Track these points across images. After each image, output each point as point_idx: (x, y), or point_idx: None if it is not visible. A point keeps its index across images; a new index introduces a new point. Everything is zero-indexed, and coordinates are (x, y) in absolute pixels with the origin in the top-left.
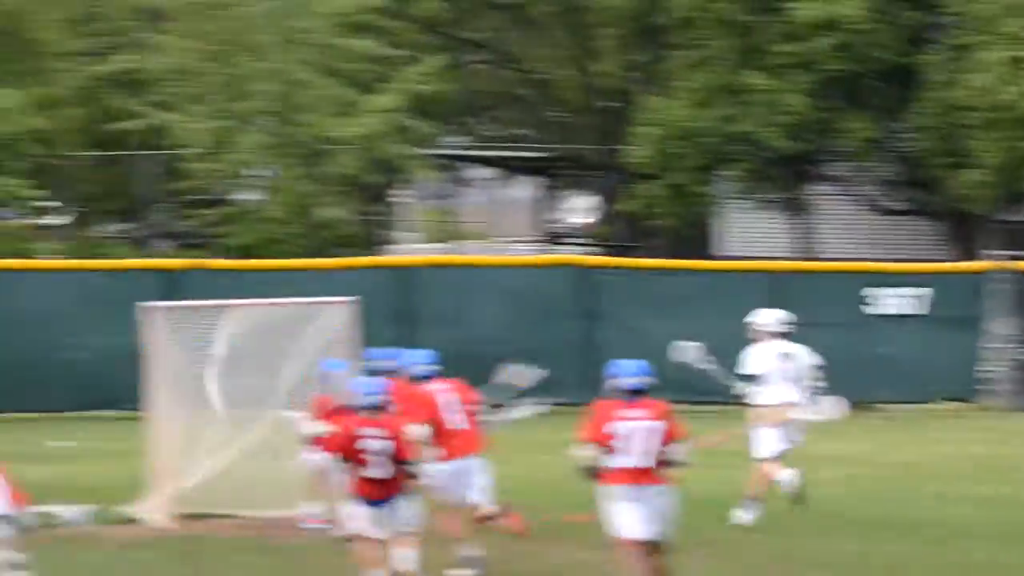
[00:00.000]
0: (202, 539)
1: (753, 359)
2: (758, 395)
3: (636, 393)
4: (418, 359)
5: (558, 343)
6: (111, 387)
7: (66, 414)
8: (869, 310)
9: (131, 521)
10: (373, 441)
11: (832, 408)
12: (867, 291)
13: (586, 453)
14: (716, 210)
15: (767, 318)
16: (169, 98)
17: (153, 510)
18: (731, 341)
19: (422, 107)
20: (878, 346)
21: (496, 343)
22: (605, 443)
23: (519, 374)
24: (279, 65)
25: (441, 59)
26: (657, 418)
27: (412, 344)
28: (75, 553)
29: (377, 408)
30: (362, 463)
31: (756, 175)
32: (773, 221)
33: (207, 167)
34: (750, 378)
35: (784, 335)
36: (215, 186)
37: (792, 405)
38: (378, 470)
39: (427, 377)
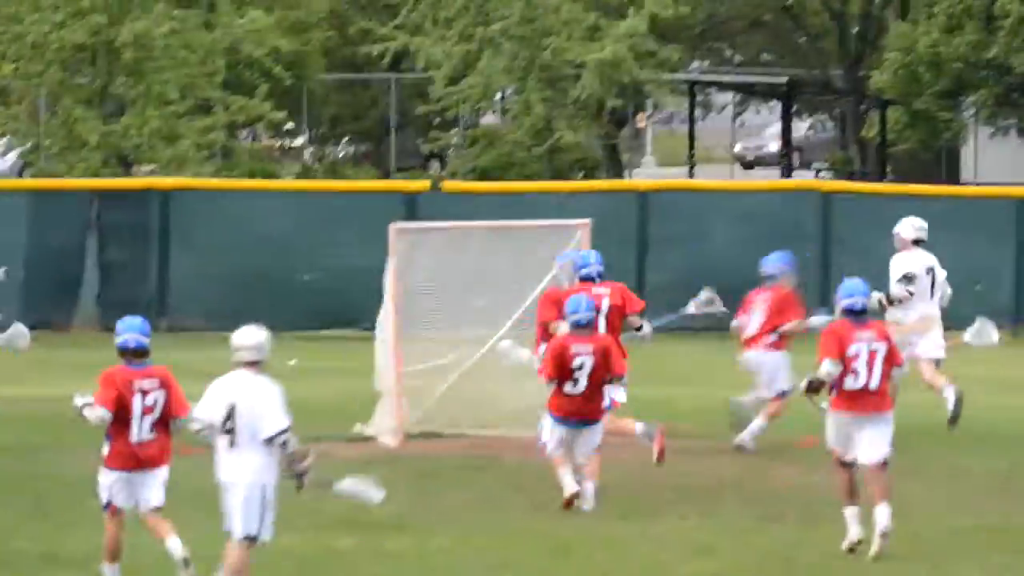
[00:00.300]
0: (435, 458)
1: (898, 267)
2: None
3: (861, 314)
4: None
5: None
6: (350, 307)
7: (305, 333)
8: None
9: (364, 439)
10: (582, 358)
11: (990, 333)
12: None
13: (824, 370)
14: (961, 136)
15: (906, 227)
16: (416, 20)
17: (385, 429)
18: (974, 268)
19: (667, 31)
20: None
21: (731, 268)
22: (845, 363)
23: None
24: None
25: None
26: (883, 339)
27: (643, 269)
28: None
29: (586, 325)
30: (568, 378)
31: (1001, 101)
32: (1018, 148)
33: (452, 90)
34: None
35: (922, 244)
36: (459, 109)
37: (932, 318)
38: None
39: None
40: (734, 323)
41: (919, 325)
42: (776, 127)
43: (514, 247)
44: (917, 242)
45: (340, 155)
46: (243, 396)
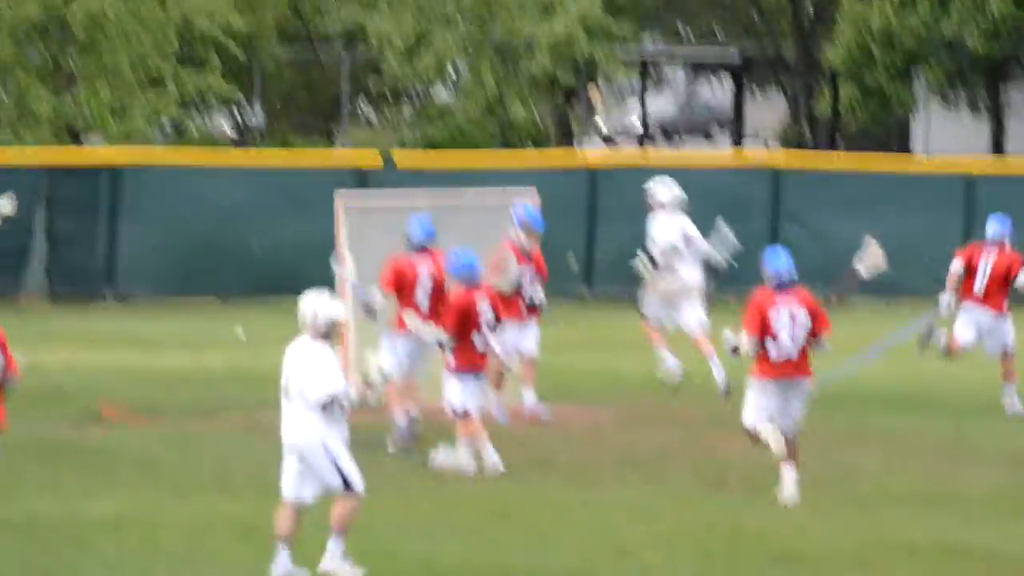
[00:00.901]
0: (380, 426)
1: (658, 231)
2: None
3: (787, 285)
4: None
5: (745, 243)
6: (298, 278)
7: (251, 300)
8: None
9: None
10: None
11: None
12: None
13: (748, 339)
14: (912, 112)
15: (661, 189)
16: None
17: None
18: (923, 241)
19: (619, 6)
20: None
21: None
22: (768, 332)
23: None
24: None
25: None
26: (808, 309)
27: (593, 241)
28: (244, 437)
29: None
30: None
31: (953, 76)
32: (968, 124)
33: (404, 65)
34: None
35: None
36: (411, 84)
37: (690, 284)
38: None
39: None
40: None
41: (675, 288)
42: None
43: (461, 216)
44: (668, 205)
45: (293, 129)
46: (293, 361)
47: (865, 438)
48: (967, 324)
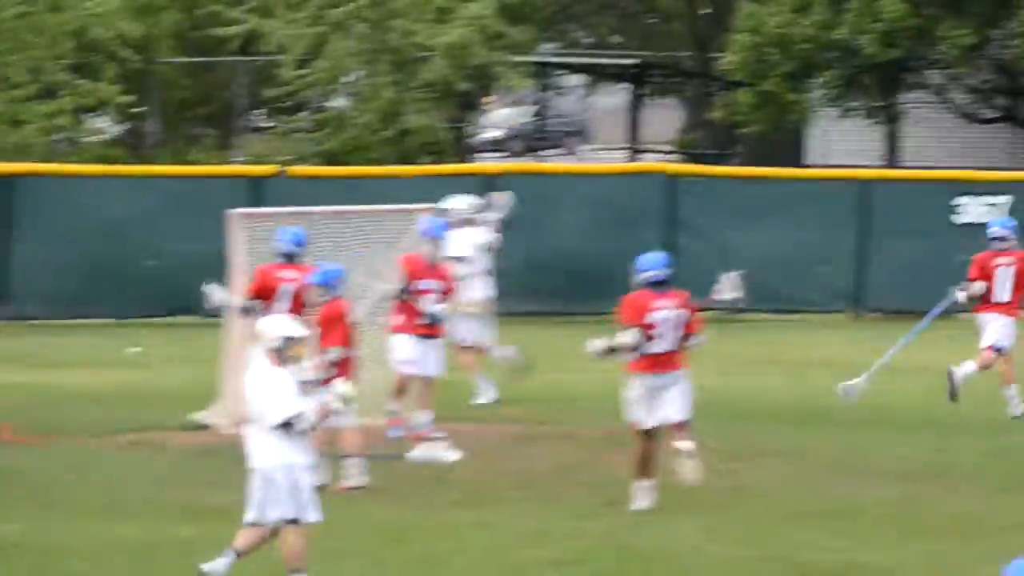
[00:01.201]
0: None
1: (454, 245)
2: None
3: (661, 284)
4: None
5: (640, 252)
6: (192, 294)
7: (144, 320)
8: (958, 219)
9: (200, 428)
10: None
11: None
12: (957, 200)
13: (627, 337)
14: (807, 119)
15: (459, 204)
16: (265, 3)
17: (222, 417)
18: (818, 249)
19: (515, 12)
20: (966, 255)
21: (578, 252)
22: (646, 329)
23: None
24: None
25: None
26: (682, 307)
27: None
28: (140, 457)
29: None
30: (650, 337)
31: (848, 83)
32: (864, 130)
33: (300, 73)
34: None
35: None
36: (307, 92)
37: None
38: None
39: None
40: (975, 288)
41: (470, 307)
42: (500, 113)
43: (358, 231)
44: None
45: (188, 139)
46: (252, 385)
47: (761, 454)
48: (995, 332)
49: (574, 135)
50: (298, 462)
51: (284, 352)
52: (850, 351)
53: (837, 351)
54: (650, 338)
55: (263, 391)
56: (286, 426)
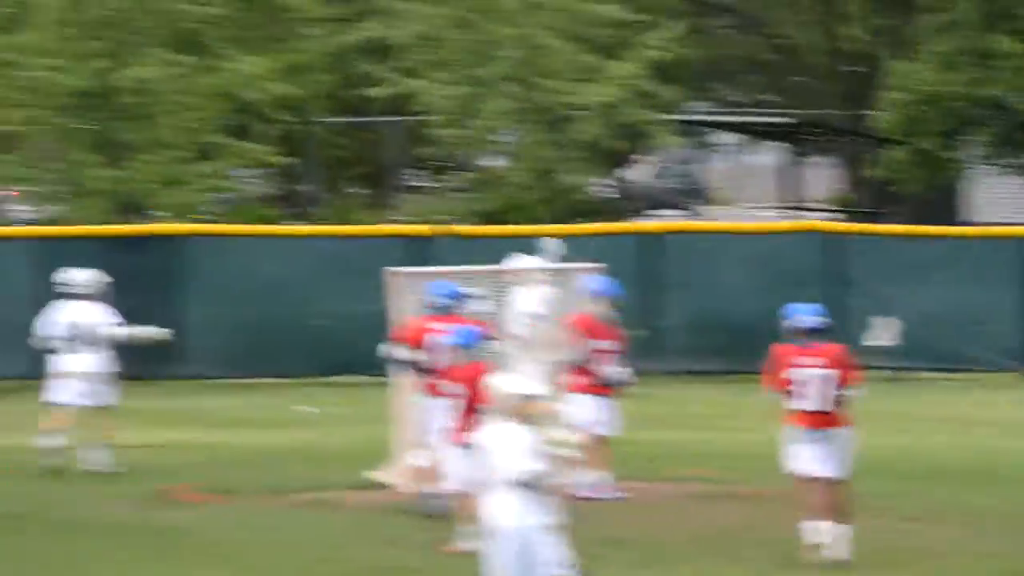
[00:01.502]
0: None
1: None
2: None
3: (809, 336)
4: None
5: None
6: (357, 352)
7: (312, 379)
8: None
9: (376, 486)
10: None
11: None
12: None
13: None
14: (963, 176)
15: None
16: (415, 64)
17: (398, 476)
18: (983, 306)
19: (665, 72)
20: None
21: (741, 309)
22: (785, 387)
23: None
24: (524, 30)
25: (684, 24)
26: (831, 365)
27: (657, 310)
28: (317, 516)
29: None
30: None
31: (1003, 140)
32: (1021, 187)
33: (452, 133)
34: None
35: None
36: (460, 152)
37: None
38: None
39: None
40: None
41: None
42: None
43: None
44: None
45: (345, 199)
46: (491, 444)
47: (938, 513)
48: None
49: (690, 194)
50: (536, 522)
51: (520, 409)
52: (1019, 410)
53: (1005, 411)
54: (788, 393)
55: (501, 448)
56: (525, 483)
